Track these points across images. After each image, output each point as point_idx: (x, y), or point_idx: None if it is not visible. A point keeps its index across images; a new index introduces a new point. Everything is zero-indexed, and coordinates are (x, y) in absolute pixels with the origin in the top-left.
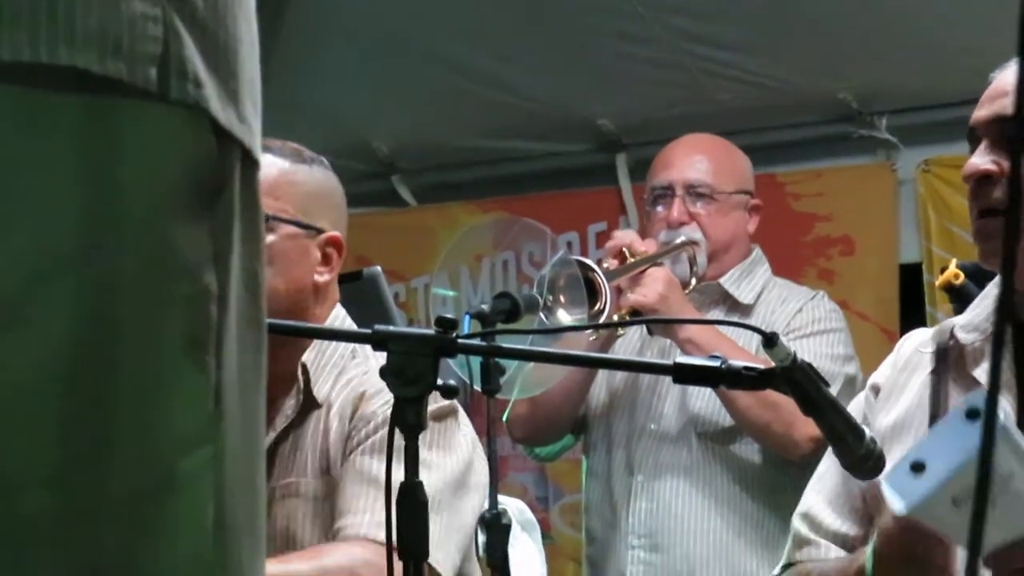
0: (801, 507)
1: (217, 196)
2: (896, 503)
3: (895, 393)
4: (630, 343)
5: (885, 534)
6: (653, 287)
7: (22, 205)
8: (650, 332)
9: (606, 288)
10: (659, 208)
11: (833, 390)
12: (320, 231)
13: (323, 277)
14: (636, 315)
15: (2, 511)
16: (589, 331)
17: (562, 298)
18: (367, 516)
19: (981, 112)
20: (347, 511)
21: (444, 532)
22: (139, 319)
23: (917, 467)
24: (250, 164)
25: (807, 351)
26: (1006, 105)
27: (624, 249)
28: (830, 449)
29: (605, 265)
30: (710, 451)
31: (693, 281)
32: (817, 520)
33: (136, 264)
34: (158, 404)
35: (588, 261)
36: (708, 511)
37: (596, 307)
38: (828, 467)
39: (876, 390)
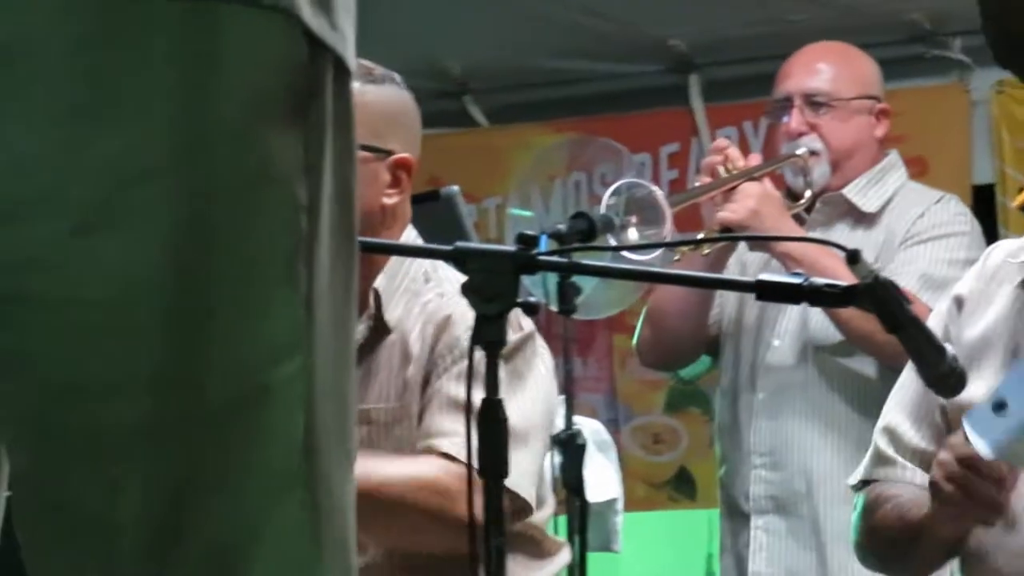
0: (882, 420)
1: (310, 105)
2: (982, 448)
3: (982, 305)
4: (757, 259)
5: (944, 470)
6: (744, 203)
7: (118, 109)
8: (750, 248)
9: (667, 209)
10: (781, 121)
11: (948, 294)
12: (389, 153)
13: (392, 200)
14: (728, 232)
15: (101, 416)
16: (698, 249)
17: (635, 219)
18: (453, 439)
19: None
20: (432, 435)
21: (529, 463)
22: (232, 227)
23: (999, 406)
24: (343, 73)
25: (924, 256)
26: None
27: (719, 166)
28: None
29: (696, 183)
30: (827, 368)
31: (807, 194)
32: (897, 434)
33: (228, 172)
34: (251, 313)
35: (648, 184)
36: (825, 428)
37: (661, 230)
38: (908, 378)
39: (960, 302)
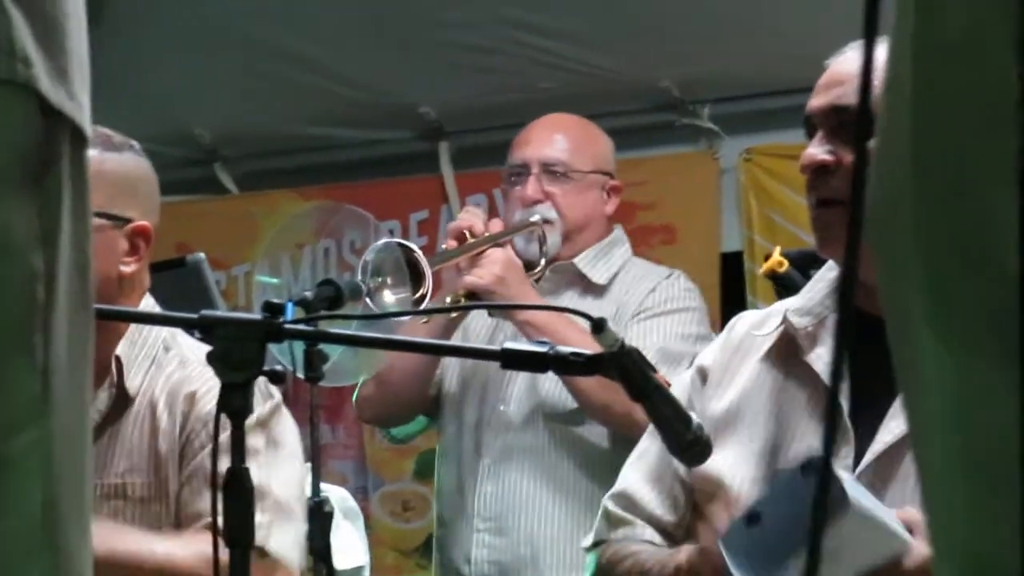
0: (618, 486)
1: (45, 174)
2: (737, 572)
3: (727, 377)
4: (483, 325)
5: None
6: (490, 268)
7: None
8: (490, 314)
9: (427, 270)
10: (516, 187)
11: (682, 369)
12: (128, 221)
13: (130, 268)
14: (473, 297)
15: None
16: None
17: (386, 281)
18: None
19: (816, 101)
20: (204, 513)
21: (298, 534)
22: None
23: (752, 518)
24: (80, 142)
25: (658, 330)
26: (842, 94)
27: (466, 231)
28: (651, 427)
29: (443, 246)
30: (557, 434)
31: (543, 262)
32: (634, 499)
33: None
34: None
35: (409, 244)
36: (553, 495)
37: (420, 290)
38: (647, 447)
39: (704, 373)
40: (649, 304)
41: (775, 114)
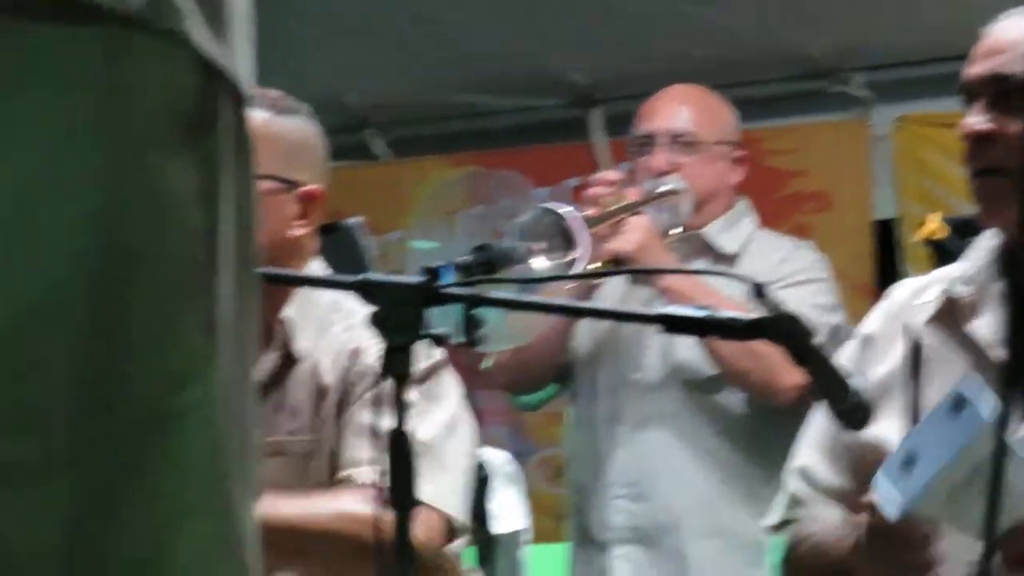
0: (796, 461)
1: (206, 131)
2: (887, 508)
3: (888, 343)
4: (615, 291)
5: (867, 535)
6: (632, 235)
7: (9, 133)
8: (633, 280)
9: (584, 234)
10: (643, 157)
11: (817, 340)
12: (297, 184)
13: (300, 231)
14: (615, 263)
15: (24, 444)
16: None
17: (539, 246)
18: (367, 468)
19: (976, 68)
20: (348, 463)
21: (452, 481)
22: (134, 254)
23: (907, 463)
24: (239, 100)
25: (791, 300)
26: (1004, 62)
27: (604, 197)
28: (819, 402)
29: (583, 213)
30: (694, 400)
31: (675, 231)
32: (812, 475)
33: (128, 199)
34: (155, 339)
35: (565, 207)
36: (692, 461)
37: (573, 254)
38: (820, 418)
39: (868, 340)
40: (782, 274)
41: (928, 81)
